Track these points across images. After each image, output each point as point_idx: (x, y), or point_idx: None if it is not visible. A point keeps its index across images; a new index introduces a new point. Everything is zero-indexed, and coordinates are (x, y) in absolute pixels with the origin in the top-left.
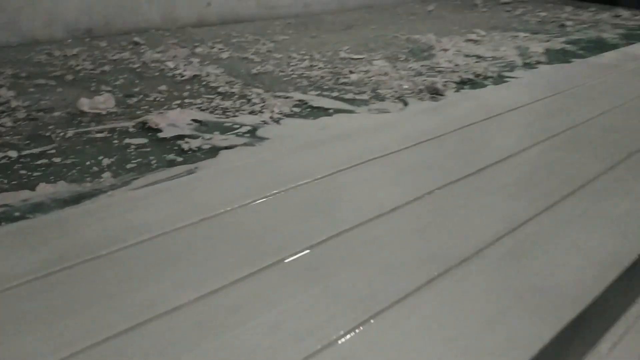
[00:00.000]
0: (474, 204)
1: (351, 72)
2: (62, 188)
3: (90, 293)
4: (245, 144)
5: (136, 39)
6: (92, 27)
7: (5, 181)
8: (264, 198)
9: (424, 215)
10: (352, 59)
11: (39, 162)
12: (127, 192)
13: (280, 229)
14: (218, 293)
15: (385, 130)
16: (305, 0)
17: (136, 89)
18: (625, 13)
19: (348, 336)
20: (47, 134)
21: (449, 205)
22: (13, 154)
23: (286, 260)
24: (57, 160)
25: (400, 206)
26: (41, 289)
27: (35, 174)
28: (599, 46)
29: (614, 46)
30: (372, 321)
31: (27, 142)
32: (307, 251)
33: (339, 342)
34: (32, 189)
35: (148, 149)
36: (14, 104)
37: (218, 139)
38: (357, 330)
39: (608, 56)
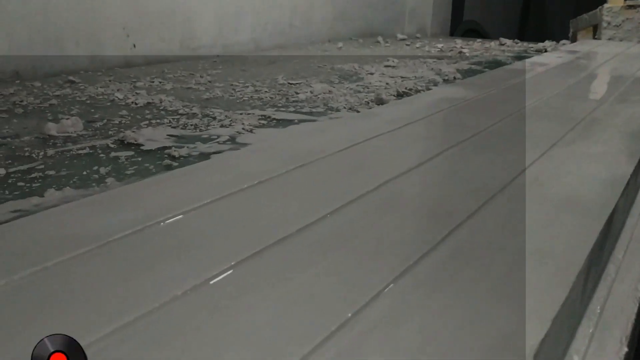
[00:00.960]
0: (479, 159)
1: (297, 93)
2: (70, 193)
3: (183, 241)
4: (231, 149)
5: (71, 78)
6: (19, 70)
7: (7, 192)
8: (297, 167)
9: (445, 168)
10: (291, 84)
11: (32, 175)
12: (165, 173)
13: (327, 186)
14: (309, 227)
15: (366, 118)
16: (224, 41)
17: (96, 116)
18: (508, 42)
19: (440, 245)
20: (26, 154)
21: (460, 161)
22: (1, 171)
23: (353, 202)
24: (50, 172)
25: (424, 162)
26: (136, 242)
27: (35, 185)
28: (499, 65)
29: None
30: (453, 234)
31: (9, 161)
32: (364, 196)
33: (435, 250)
34: (41, 195)
35: (139, 159)
36: None
37: (202, 147)
38: (445, 241)
39: (516, 64)
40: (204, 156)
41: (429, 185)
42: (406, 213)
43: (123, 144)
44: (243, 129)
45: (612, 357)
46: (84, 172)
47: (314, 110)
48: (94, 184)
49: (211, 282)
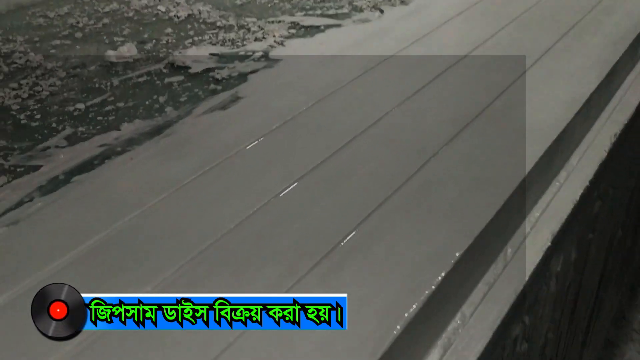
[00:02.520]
0: (470, 82)
1: None
2: (140, 124)
3: (233, 182)
4: (265, 67)
5: None
6: None
7: (91, 127)
8: (315, 102)
9: (437, 94)
10: None
11: (107, 108)
12: (218, 112)
13: (338, 122)
14: (321, 165)
15: (377, 36)
16: None
17: (145, 36)
18: None
19: (414, 177)
20: (96, 85)
21: (452, 84)
22: (80, 106)
23: (356, 139)
24: (120, 104)
25: (420, 89)
26: (202, 183)
27: (110, 117)
28: None
29: None
30: (426, 166)
31: (84, 94)
32: (365, 132)
33: (409, 181)
34: (118, 128)
35: (189, 84)
36: (49, 65)
37: (240, 66)
38: (417, 173)
39: None
40: (242, 77)
41: (420, 115)
42: (395, 147)
43: (173, 68)
44: (275, 41)
45: (537, 250)
46: (147, 102)
47: (339, 12)
48: (156, 114)
49: (248, 220)
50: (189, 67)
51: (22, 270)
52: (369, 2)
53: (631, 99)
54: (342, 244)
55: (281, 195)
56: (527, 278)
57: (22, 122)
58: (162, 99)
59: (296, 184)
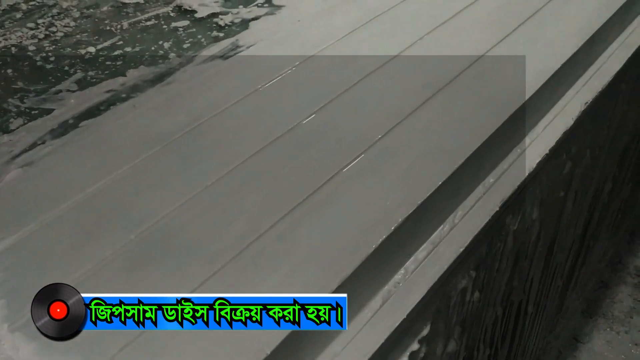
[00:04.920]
0: (478, 36)
1: None
2: (145, 71)
3: (231, 133)
4: (267, 14)
5: None
6: None
7: (99, 72)
8: (307, 58)
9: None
10: None
11: (115, 53)
12: (219, 63)
13: (323, 81)
14: (310, 119)
15: None
16: None
17: None
18: None
19: (385, 137)
20: (107, 28)
21: (441, 45)
22: (92, 49)
23: (335, 100)
24: (128, 49)
25: (402, 51)
26: (192, 138)
27: (118, 63)
28: None
29: None
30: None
31: (96, 37)
32: (346, 92)
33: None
34: (124, 74)
35: (193, 30)
36: (64, 4)
37: (244, 12)
38: (384, 138)
39: None
40: (244, 23)
41: (395, 80)
42: (367, 111)
43: (180, 11)
44: None
45: (485, 214)
46: (152, 48)
47: None
48: (160, 61)
49: (223, 178)
50: (195, 12)
51: (28, 215)
52: None
53: (611, 66)
54: (301, 205)
55: (252, 156)
56: (470, 239)
57: (38, 64)
58: (166, 45)
59: (269, 146)
